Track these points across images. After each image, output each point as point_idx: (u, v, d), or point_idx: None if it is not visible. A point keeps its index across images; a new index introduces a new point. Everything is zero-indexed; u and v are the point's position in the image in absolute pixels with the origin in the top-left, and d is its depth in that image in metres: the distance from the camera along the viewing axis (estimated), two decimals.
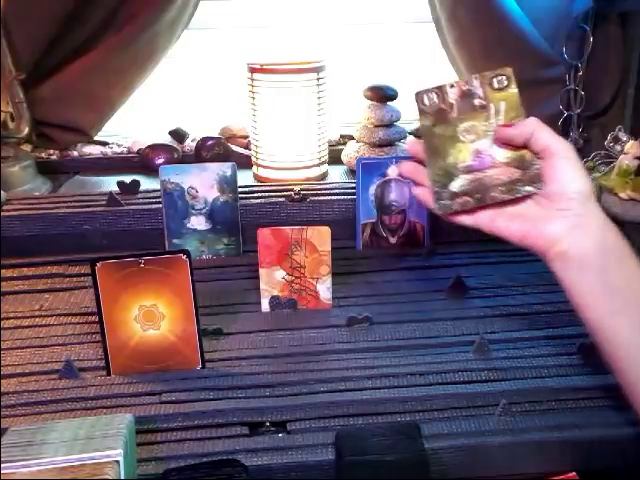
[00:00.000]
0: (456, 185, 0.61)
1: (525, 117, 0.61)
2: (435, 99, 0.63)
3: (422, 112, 0.63)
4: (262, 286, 0.77)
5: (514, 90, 0.61)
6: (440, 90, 0.63)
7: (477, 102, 0.62)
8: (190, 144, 1.14)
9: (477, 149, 0.61)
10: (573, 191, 0.55)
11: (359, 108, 1.03)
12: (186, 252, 0.65)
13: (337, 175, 1.06)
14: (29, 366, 0.68)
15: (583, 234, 0.55)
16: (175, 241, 0.88)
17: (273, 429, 0.60)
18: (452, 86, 0.62)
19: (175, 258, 0.65)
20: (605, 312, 0.55)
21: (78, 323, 0.75)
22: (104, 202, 0.92)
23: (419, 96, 0.63)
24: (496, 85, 0.62)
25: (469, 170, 0.61)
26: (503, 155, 0.60)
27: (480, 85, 0.62)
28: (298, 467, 0.56)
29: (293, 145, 1.00)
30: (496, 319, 0.75)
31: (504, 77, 0.62)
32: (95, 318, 0.67)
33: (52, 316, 0.77)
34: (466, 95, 0.62)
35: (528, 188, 0.59)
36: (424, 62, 1.23)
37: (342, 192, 0.94)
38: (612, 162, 0.94)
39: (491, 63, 1.10)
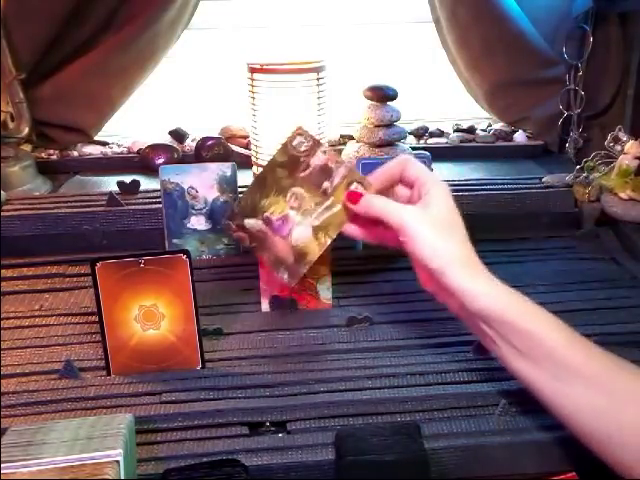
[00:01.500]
0: (250, 223, 0.65)
1: (332, 237, 0.63)
2: (302, 148, 0.63)
3: (284, 148, 0.64)
4: (262, 286, 0.77)
5: (352, 211, 0.62)
6: (313, 146, 0.63)
7: (326, 185, 0.63)
8: (190, 144, 1.14)
9: (288, 215, 0.63)
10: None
11: (359, 108, 1.03)
12: (186, 252, 0.65)
13: None
14: (29, 366, 0.68)
15: None
16: (175, 241, 0.88)
17: (273, 429, 0.60)
18: (324, 152, 0.63)
19: (175, 258, 0.65)
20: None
21: (78, 323, 0.75)
22: (104, 202, 0.92)
23: (296, 132, 0.64)
24: (350, 188, 0.62)
25: (268, 223, 0.64)
26: (297, 239, 0.64)
27: (341, 176, 0.62)
28: (298, 467, 0.56)
29: None
30: None
31: (362, 189, 0.62)
32: (95, 318, 0.67)
33: (52, 316, 0.77)
34: (325, 171, 0.63)
35: (285, 276, 0.65)
36: (424, 62, 1.23)
37: None
38: (612, 162, 0.94)
39: (491, 63, 1.12)
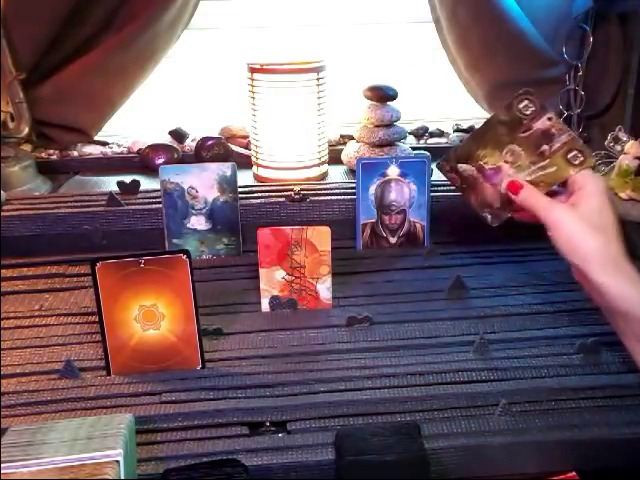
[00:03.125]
0: (462, 167, 0.69)
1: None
2: (528, 112, 0.67)
3: (508, 107, 0.67)
4: (262, 286, 0.77)
5: (571, 172, 0.65)
6: (538, 111, 0.67)
7: (545, 148, 0.66)
8: (190, 144, 1.14)
9: (501, 167, 0.67)
10: None
11: (359, 108, 1.03)
12: (186, 252, 0.65)
13: (337, 175, 1.06)
14: (29, 366, 0.68)
15: None
16: (175, 241, 0.88)
17: (273, 429, 0.60)
18: (549, 119, 0.66)
19: (175, 258, 0.65)
20: None
21: (78, 323, 0.75)
22: (104, 202, 0.91)
23: (523, 96, 0.67)
24: (568, 155, 0.65)
25: (480, 170, 0.69)
26: (503, 190, 0.67)
27: (561, 143, 0.66)
28: (298, 467, 0.56)
29: (293, 145, 1.00)
30: (496, 319, 0.75)
31: (580, 157, 0.65)
32: (95, 318, 0.67)
33: (52, 316, 0.77)
34: (546, 136, 0.66)
35: (488, 216, 0.69)
36: (424, 62, 1.23)
37: (342, 192, 0.94)
38: (612, 162, 0.94)
39: (491, 63, 1.12)
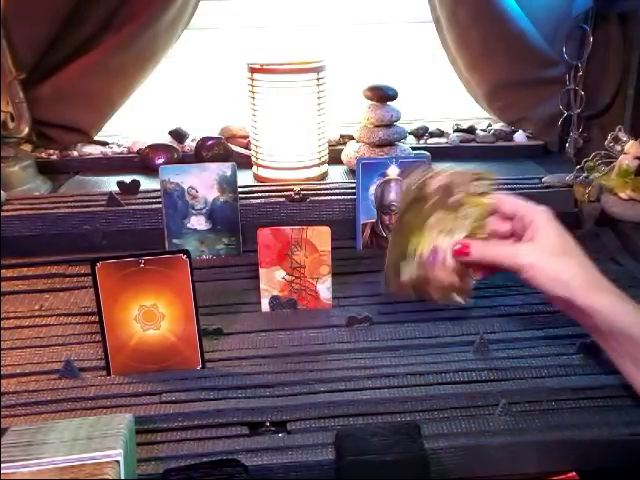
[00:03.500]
0: (406, 272, 0.64)
1: (486, 232, 0.62)
2: (418, 183, 0.64)
3: (403, 192, 0.65)
4: (262, 286, 0.77)
5: (487, 200, 0.63)
6: (425, 175, 0.64)
7: (453, 199, 0.63)
8: (190, 144, 1.14)
9: (435, 245, 0.63)
10: None
11: (359, 108, 1.03)
12: (186, 252, 0.65)
13: (337, 175, 1.06)
14: (29, 366, 0.68)
15: None
16: (175, 241, 0.88)
17: (273, 429, 0.60)
18: (437, 175, 0.64)
19: (175, 258, 0.65)
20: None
21: (78, 323, 0.75)
22: (104, 202, 0.92)
23: (406, 173, 0.65)
24: (475, 189, 0.63)
25: (421, 261, 0.63)
26: (453, 262, 0.62)
27: (461, 183, 0.64)
28: (298, 467, 0.56)
29: (293, 145, 1.00)
30: (496, 319, 0.75)
31: (485, 182, 0.64)
32: (95, 318, 0.67)
33: (52, 316, 0.77)
34: (446, 189, 0.64)
35: (458, 299, 0.63)
36: (424, 62, 1.23)
37: (342, 192, 0.94)
38: (612, 162, 0.94)
39: (491, 63, 1.12)
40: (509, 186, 0.97)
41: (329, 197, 0.93)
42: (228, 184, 0.87)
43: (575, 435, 0.58)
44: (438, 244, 0.62)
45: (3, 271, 0.85)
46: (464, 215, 0.63)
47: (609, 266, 0.87)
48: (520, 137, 1.18)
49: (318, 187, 0.97)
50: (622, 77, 1.07)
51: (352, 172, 1.03)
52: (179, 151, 1.11)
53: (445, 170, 0.64)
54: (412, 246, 0.63)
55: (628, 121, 1.05)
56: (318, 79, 0.98)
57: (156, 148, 1.09)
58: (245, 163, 1.06)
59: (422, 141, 1.18)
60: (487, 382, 0.64)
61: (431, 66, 1.23)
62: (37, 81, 1.05)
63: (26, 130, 1.04)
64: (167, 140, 1.15)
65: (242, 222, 0.89)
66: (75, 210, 0.90)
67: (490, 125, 1.23)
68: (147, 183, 0.99)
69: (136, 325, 0.65)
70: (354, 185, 0.91)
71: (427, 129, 1.20)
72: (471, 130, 1.20)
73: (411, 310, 0.77)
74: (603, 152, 0.96)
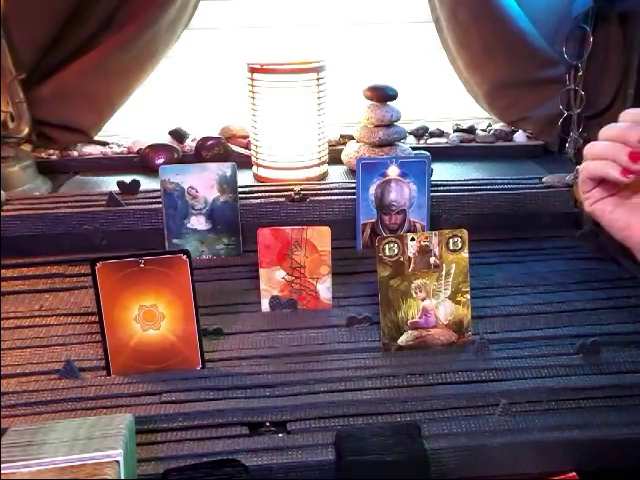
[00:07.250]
0: (403, 339, 0.69)
1: (468, 286, 0.68)
2: (395, 250, 0.68)
3: (381, 261, 0.68)
4: (262, 286, 0.77)
5: (465, 255, 0.69)
6: (401, 241, 0.68)
7: (432, 260, 0.68)
8: (190, 144, 1.14)
9: (425, 307, 0.69)
10: None
11: (359, 108, 1.03)
12: (186, 252, 0.65)
13: (337, 175, 1.06)
14: (29, 366, 0.68)
15: None
16: (175, 241, 0.88)
17: (273, 429, 0.60)
18: (412, 239, 0.68)
19: (175, 258, 0.65)
20: None
21: (78, 323, 0.75)
22: (104, 202, 0.92)
23: (380, 242, 0.68)
24: (451, 246, 0.68)
25: (415, 326, 0.68)
26: (445, 317, 0.69)
27: (437, 243, 0.68)
28: (298, 467, 0.56)
29: (293, 145, 1.00)
30: (496, 319, 0.75)
31: (459, 239, 0.68)
32: (95, 318, 0.67)
33: (52, 316, 0.77)
34: (423, 251, 0.68)
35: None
36: (424, 62, 1.23)
37: (342, 192, 0.94)
38: None
39: (491, 63, 1.12)
40: (509, 186, 0.97)
41: (329, 197, 0.93)
42: (228, 184, 0.87)
43: (575, 435, 0.58)
44: (427, 305, 0.69)
45: (3, 271, 0.85)
46: (445, 273, 0.68)
47: (609, 266, 0.87)
48: (520, 137, 1.18)
49: (318, 187, 0.97)
50: (622, 77, 1.07)
51: (352, 172, 1.03)
52: (179, 151, 1.11)
53: (410, 235, 0.68)
54: (403, 313, 0.69)
55: None
56: (318, 79, 0.98)
57: (156, 148, 1.09)
58: (245, 163, 1.06)
59: (422, 141, 1.18)
60: (487, 382, 0.64)
61: (431, 66, 1.23)
62: (37, 81, 1.05)
63: (26, 130, 1.04)
64: (167, 140, 1.15)
65: (242, 222, 0.89)
66: (75, 210, 0.90)
67: (490, 125, 1.23)
68: (147, 183, 0.99)
69: (136, 325, 0.65)
70: (354, 185, 0.91)
71: (427, 129, 1.20)
72: (471, 130, 1.20)
73: None
74: None
